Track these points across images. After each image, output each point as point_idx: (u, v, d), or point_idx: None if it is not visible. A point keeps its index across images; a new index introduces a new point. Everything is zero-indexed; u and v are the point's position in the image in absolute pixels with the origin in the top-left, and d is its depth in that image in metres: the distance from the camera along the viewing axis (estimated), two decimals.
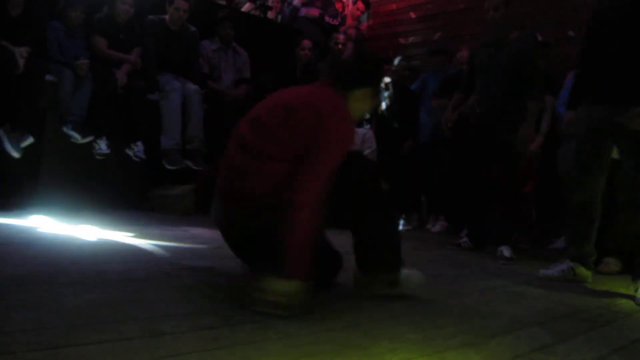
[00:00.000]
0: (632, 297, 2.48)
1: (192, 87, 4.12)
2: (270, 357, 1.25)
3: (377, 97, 2.11)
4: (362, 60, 2.10)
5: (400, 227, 4.85)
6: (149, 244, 2.68)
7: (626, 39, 2.64)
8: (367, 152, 4.41)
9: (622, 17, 2.67)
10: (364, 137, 4.48)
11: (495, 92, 3.57)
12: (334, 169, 1.73)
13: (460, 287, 2.43)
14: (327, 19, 6.06)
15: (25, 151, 3.37)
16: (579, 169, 2.79)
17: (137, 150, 3.87)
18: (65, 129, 3.59)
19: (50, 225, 2.87)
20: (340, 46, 5.46)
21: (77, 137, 3.59)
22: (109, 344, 1.23)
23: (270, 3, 5.77)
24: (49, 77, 3.57)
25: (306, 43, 5.21)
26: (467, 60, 4.08)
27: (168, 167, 3.91)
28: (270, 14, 5.85)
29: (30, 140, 3.35)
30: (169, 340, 1.31)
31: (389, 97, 5.08)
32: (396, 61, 5.22)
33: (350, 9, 6.60)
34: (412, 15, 6.79)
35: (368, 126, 5.16)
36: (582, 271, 2.82)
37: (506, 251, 3.47)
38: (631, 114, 2.52)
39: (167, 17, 4.19)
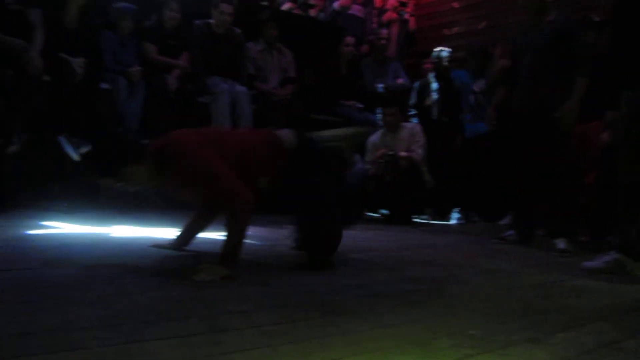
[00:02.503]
0: None
1: (240, 88, 4.20)
2: (332, 353, 1.27)
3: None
4: None
5: (455, 222, 4.80)
6: (206, 242, 2.74)
7: None
8: (414, 146, 4.36)
9: None
10: (412, 131, 4.43)
11: (537, 76, 3.44)
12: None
13: (517, 282, 2.38)
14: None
15: (86, 157, 3.50)
16: (628, 149, 2.66)
17: None
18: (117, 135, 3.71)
19: (112, 227, 2.98)
20: (383, 41, 5.43)
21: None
22: (176, 340, 1.27)
23: (311, 1, 5.80)
24: (104, 86, 3.71)
25: (349, 40, 5.21)
26: (504, 52, 3.95)
27: None
28: (312, 12, 5.88)
29: (88, 148, 3.48)
30: (232, 336, 1.34)
31: (435, 91, 5.02)
32: (436, 53, 5.13)
33: (391, 2, 6.56)
34: (455, 5, 6.68)
35: (416, 120, 5.11)
36: (629, 262, 2.63)
37: (561, 244, 3.35)
38: None
39: (212, 21, 4.27)
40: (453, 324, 1.58)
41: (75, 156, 3.42)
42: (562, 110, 3.25)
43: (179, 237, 2.44)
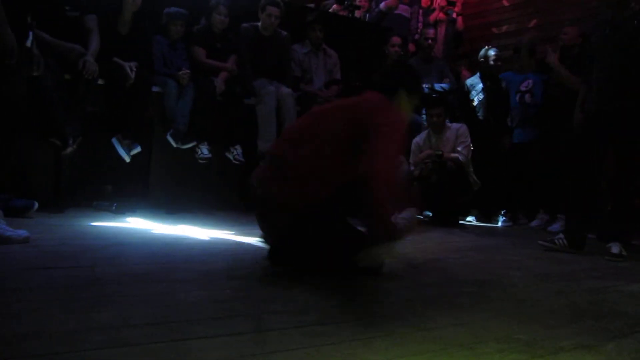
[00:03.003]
0: None
1: (285, 90, 4.24)
2: (376, 354, 1.27)
3: (414, 96, 2.37)
4: (392, 70, 2.71)
5: (501, 224, 4.69)
6: (249, 243, 2.79)
7: None
8: (460, 147, 4.29)
9: None
10: (458, 132, 4.36)
11: (616, 77, 3.26)
12: (393, 153, 2.06)
13: (569, 286, 2.31)
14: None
15: (136, 158, 3.63)
16: None
17: (236, 153, 4.03)
18: (167, 136, 3.81)
19: (160, 227, 3.07)
20: (430, 41, 5.36)
21: (177, 144, 3.80)
22: (222, 338, 1.30)
23: (358, 2, 5.79)
24: (155, 89, 3.83)
25: (395, 40, 5.17)
26: (581, 43, 3.78)
27: None
28: (357, 13, 5.87)
29: (138, 149, 3.61)
30: (276, 335, 1.36)
31: (480, 91, 4.91)
32: (483, 52, 5.02)
33: (438, 1, 6.47)
34: (505, 2, 6.53)
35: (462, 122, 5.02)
36: None
37: (615, 248, 3.22)
38: None
39: (259, 23, 4.32)
40: (500, 328, 1.54)
41: (127, 157, 3.56)
42: None
43: None
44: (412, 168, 4.39)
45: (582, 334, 1.56)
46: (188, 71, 3.88)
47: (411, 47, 5.94)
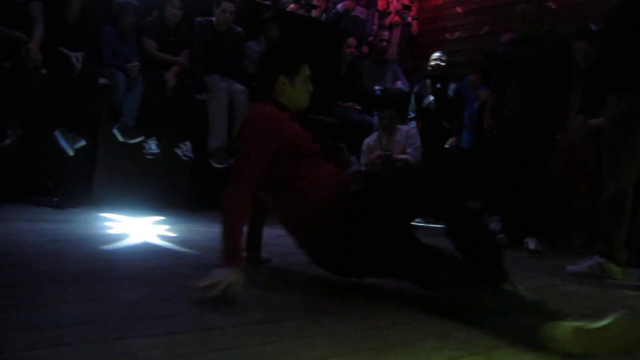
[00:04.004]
0: None
1: (238, 87, 4.19)
2: (317, 352, 1.26)
3: (298, 74, 2.07)
4: (263, 60, 2.22)
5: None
6: (197, 240, 2.74)
7: None
8: (410, 149, 4.36)
9: None
10: (408, 134, 4.43)
11: (531, 89, 3.52)
12: (249, 165, 1.84)
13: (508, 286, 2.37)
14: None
15: (81, 152, 3.51)
16: (609, 160, 2.71)
17: (185, 149, 3.96)
18: (114, 130, 3.71)
19: (102, 224, 2.98)
20: (384, 43, 5.43)
21: (124, 138, 3.71)
22: (160, 338, 1.27)
23: (315, 2, 5.80)
24: (102, 81, 3.71)
25: (352, 41, 5.22)
26: (498, 57, 4.00)
27: (215, 166, 4.00)
28: (314, 13, 5.88)
29: (83, 143, 3.49)
30: (217, 334, 1.34)
31: (431, 95, 5.02)
32: (434, 57, 5.13)
33: (394, 5, 6.57)
34: (459, 9, 6.68)
35: (414, 123, 5.11)
36: (611, 267, 2.72)
37: (532, 244, 3.43)
38: None
39: (214, 19, 4.27)
40: (439, 327, 1.57)
41: (70, 151, 3.44)
42: (565, 133, 3.33)
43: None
44: (362, 168, 4.43)
45: None
46: (138, 64, 3.78)
47: (365, 49, 6.00)
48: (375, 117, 4.80)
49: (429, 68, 5.14)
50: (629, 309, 2.13)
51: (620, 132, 2.67)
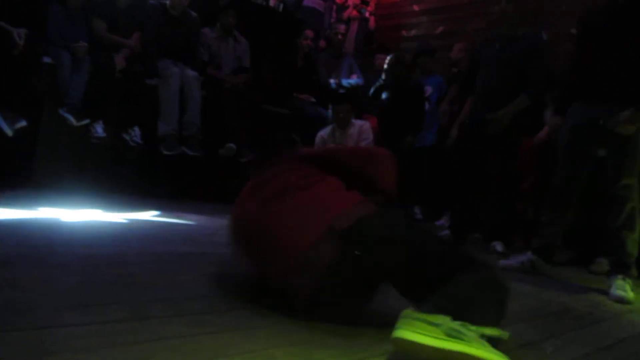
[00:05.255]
0: (594, 290, 2.60)
1: (190, 73, 4.11)
2: (254, 344, 1.25)
3: None
4: None
5: None
6: (142, 228, 2.68)
7: (614, 43, 2.64)
8: (363, 143, 4.39)
9: (610, 21, 2.67)
10: (361, 129, 4.46)
11: (499, 88, 3.55)
12: None
13: None
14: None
15: (22, 133, 3.36)
16: (562, 163, 2.82)
17: (134, 135, 3.86)
18: (60, 112, 3.57)
19: (44, 208, 2.87)
20: (340, 37, 5.43)
21: (72, 120, 3.57)
22: (94, 326, 1.23)
23: None
24: (47, 60, 3.56)
25: (309, 33, 5.20)
26: (468, 54, 4.06)
27: (165, 152, 3.91)
28: (271, 2, 5.82)
29: (23, 124, 3.34)
30: (154, 323, 1.31)
31: (387, 91, 5.04)
32: (393, 53, 5.15)
33: (353, 0, 6.58)
34: (416, 8, 6.76)
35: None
36: (542, 264, 2.85)
37: (499, 246, 3.51)
38: (620, 118, 2.53)
39: (168, 2, 4.16)
40: (379, 321, 1.58)
41: (9, 132, 3.28)
42: (494, 115, 3.38)
43: None
44: None
45: None
46: (84, 44, 3.64)
47: (322, 43, 5.99)
48: (330, 111, 4.80)
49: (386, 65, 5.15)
50: (562, 307, 2.22)
51: (579, 141, 2.76)
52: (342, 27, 5.52)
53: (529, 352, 1.48)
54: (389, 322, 1.55)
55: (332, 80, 5.27)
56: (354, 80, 5.34)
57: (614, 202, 2.65)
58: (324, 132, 4.50)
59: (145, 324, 1.29)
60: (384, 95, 5.03)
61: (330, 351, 1.27)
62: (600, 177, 2.81)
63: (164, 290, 1.62)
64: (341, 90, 5.10)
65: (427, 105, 4.93)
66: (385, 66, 4.83)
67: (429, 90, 4.97)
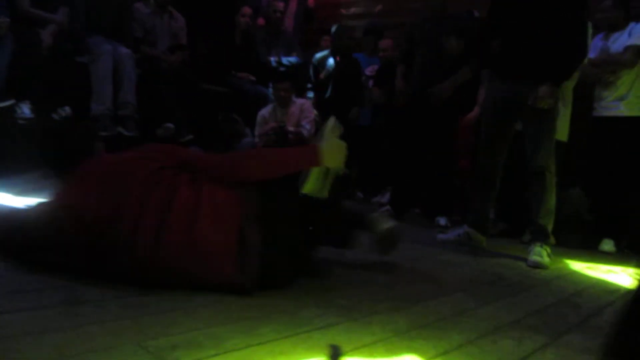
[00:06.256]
0: (524, 260, 2.71)
1: (123, 50, 3.94)
2: (196, 322, 1.24)
3: None
4: None
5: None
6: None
7: (530, 19, 2.73)
8: (304, 122, 4.38)
9: None
10: (302, 107, 4.44)
11: (434, 67, 3.66)
12: None
13: (391, 256, 2.48)
14: None
15: None
16: (484, 139, 2.94)
17: (65, 114, 3.68)
18: None
19: None
20: (279, 14, 5.36)
21: None
22: (27, 312, 1.19)
23: None
24: None
25: (246, 10, 5.10)
26: (405, 36, 4.13)
27: (100, 133, 3.76)
28: None
29: None
30: (91, 307, 1.27)
31: (330, 67, 5.04)
32: (333, 29, 5.14)
33: None
34: None
35: (311, 94, 5.13)
36: (477, 236, 2.99)
37: (442, 220, 3.72)
38: (539, 92, 2.64)
39: None
40: (323, 296, 1.61)
41: None
42: (437, 87, 3.47)
43: None
44: (256, 140, 4.40)
45: (396, 299, 1.69)
46: (7, 19, 3.41)
47: (261, 21, 5.88)
48: (270, 89, 4.75)
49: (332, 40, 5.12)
50: (496, 276, 2.33)
51: (498, 115, 2.87)
52: (280, 5, 5.43)
53: (464, 319, 1.54)
54: (331, 299, 1.58)
55: (272, 58, 5.21)
56: (294, 58, 5.30)
57: (534, 174, 2.80)
58: (265, 111, 4.46)
59: (81, 309, 1.26)
60: (328, 64, 5.03)
61: (274, 325, 1.27)
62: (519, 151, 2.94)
63: (99, 274, 1.57)
64: (281, 68, 5.05)
65: (370, 83, 4.97)
66: (332, 35, 4.88)
67: (372, 69, 5.01)
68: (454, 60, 3.60)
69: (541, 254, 2.67)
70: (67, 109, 3.67)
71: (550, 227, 2.79)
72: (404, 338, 1.31)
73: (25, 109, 3.47)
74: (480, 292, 1.97)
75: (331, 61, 5.03)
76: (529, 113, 2.75)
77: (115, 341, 1.08)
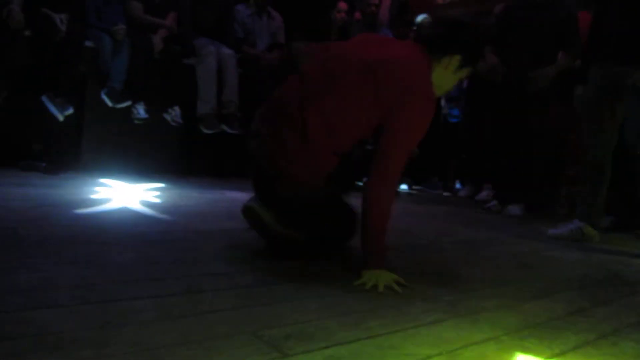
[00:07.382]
0: None
1: (227, 51, 4.13)
2: (306, 315, 1.28)
3: (464, 70, 1.81)
4: (454, 25, 1.82)
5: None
6: (186, 205, 2.74)
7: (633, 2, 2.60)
8: None
9: None
10: None
11: (530, 54, 3.56)
12: (406, 155, 1.68)
13: (495, 251, 2.42)
14: None
15: (68, 116, 3.46)
16: (590, 129, 2.79)
17: (174, 114, 3.93)
18: (102, 95, 3.65)
19: (91, 189, 2.96)
20: (374, 8, 5.34)
21: (113, 103, 3.65)
22: (153, 299, 1.28)
23: None
24: (88, 43, 3.63)
25: (342, 5, 5.13)
26: (499, 17, 3.98)
27: (205, 131, 3.97)
28: None
29: (70, 111, 3.44)
30: (209, 296, 1.35)
31: None
32: (418, 21, 5.04)
33: None
34: None
35: None
36: (590, 231, 2.83)
37: (516, 210, 3.71)
38: None
39: None
40: (427, 290, 1.60)
41: (60, 117, 3.39)
42: (538, 72, 3.35)
43: None
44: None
45: (504, 296, 1.64)
46: (124, 26, 3.69)
47: (357, 15, 5.89)
48: None
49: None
50: (612, 274, 2.18)
51: (604, 103, 2.72)
52: None
53: (579, 319, 1.47)
54: (436, 294, 1.57)
55: None
56: None
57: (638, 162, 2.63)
58: None
59: (200, 297, 1.34)
60: None
61: (381, 320, 1.29)
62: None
63: (214, 265, 1.67)
64: None
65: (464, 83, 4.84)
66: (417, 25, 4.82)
67: None
68: (549, 47, 3.46)
69: None
70: (177, 109, 3.91)
71: None
72: (515, 337, 1.27)
73: (141, 110, 3.74)
74: (595, 290, 1.87)
75: None
76: (633, 95, 2.60)
77: (232, 329, 1.15)
